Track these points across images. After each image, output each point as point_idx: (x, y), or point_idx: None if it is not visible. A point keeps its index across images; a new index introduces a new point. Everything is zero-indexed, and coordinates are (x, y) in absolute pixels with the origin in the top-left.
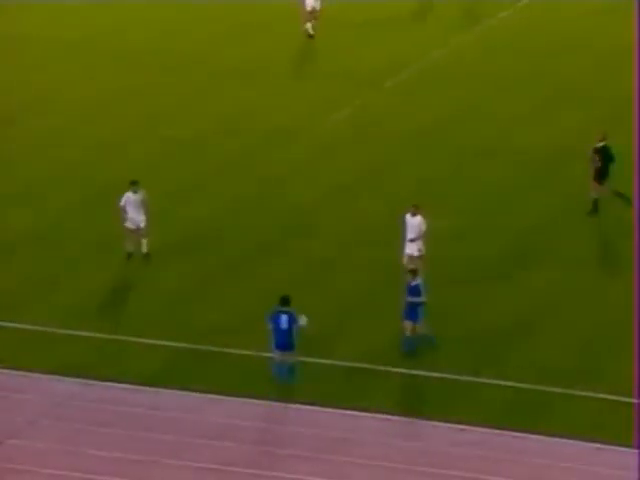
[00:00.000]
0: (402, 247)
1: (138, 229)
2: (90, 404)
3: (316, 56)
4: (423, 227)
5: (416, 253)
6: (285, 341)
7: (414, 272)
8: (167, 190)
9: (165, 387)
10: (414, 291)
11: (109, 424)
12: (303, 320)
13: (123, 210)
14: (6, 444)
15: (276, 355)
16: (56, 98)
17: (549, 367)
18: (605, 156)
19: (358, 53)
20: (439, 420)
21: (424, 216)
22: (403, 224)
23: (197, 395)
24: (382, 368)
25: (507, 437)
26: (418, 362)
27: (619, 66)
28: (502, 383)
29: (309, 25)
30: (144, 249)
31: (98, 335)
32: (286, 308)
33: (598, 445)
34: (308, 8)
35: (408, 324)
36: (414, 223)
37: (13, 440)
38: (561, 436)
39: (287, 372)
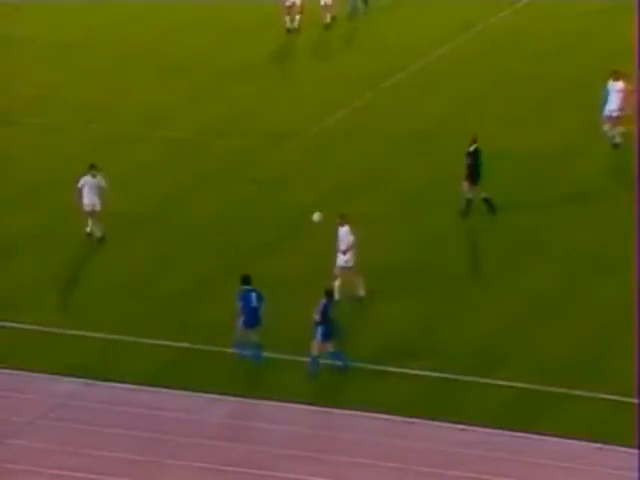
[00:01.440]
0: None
1: (93, 211)
2: (90, 404)
3: (314, 57)
4: (350, 238)
5: (342, 264)
6: (254, 319)
7: (328, 293)
8: (166, 190)
9: (166, 387)
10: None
11: (109, 424)
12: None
13: (79, 192)
14: (5, 444)
15: (241, 332)
16: (56, 98)
17: (549, 367)
18: (476, 158)
19: (356, 54)
20: (439, 420)
21: (351, 226)
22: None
23: (197, 395)
24: (382, 368)
25: (507, 437)
26: (418, 362)
27: (618, 66)
28: (502, 383)
29: (287, 19)
30: (98, 233)
31: (98, 335)
32: (251, 286)
33: (598, 445)
34: (287, 3)
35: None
36: (341, 234)
37: (13, 440)
38: (561, 436)
39: (254, 351)
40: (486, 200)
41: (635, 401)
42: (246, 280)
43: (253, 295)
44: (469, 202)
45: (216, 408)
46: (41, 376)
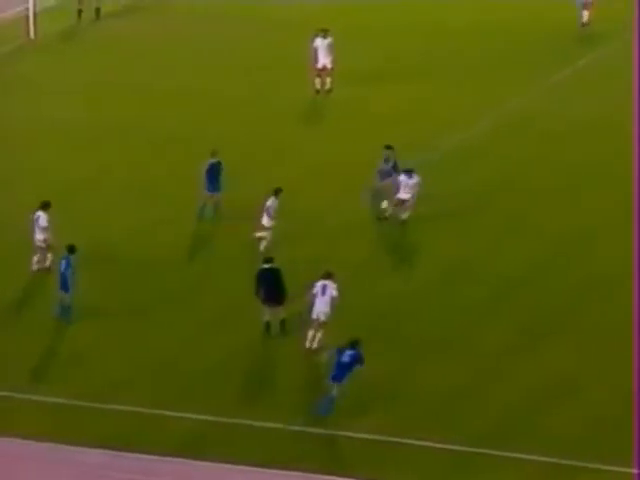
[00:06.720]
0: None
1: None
2: (119, 474)
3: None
4: (335, 295)
5: (321, 317)
6: (63, 283)
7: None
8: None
9: (193, 458)
10: None
11: None
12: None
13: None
14: None
15: (59, 296)
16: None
17: (562, 441)
18: (278, 278)
19: (380, 126)
20: None
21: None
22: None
23: (225, 465)
24: (394, 439)
25: None
26: (421, 435)
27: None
28: (516, 456)
29: (317, 80)
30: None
31: (126, 408)
32: (70, 254)
33: None
34: (319, 65)
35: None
36: (326, 289)
37: None
38: None
39: (64, 312)
40: (283, 322)
41: (635, 471)
42: (70, 249)
43: (63, 262)
44: (268, 324)
45: (243, 479)
46: (70, 448)
